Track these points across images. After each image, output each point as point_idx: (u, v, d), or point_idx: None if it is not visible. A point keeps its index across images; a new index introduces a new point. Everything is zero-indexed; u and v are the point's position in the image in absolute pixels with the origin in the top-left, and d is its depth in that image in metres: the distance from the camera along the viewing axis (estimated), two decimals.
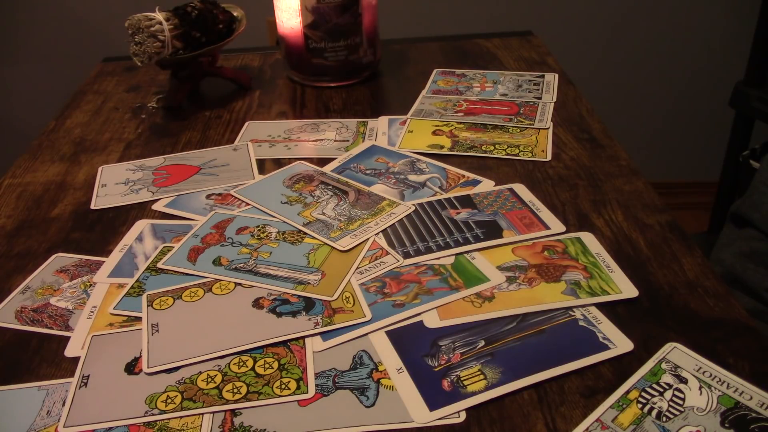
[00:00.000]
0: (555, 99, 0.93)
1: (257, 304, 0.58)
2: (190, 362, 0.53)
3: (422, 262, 0.62)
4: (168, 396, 0.50)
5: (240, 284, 0.61)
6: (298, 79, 1.03)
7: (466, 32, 1.19)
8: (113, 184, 0.79)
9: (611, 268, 0.61)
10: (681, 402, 0.47)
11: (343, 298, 0.58)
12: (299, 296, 0.59)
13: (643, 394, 0.48)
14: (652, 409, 0.47)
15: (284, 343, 0.54)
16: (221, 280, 0.61)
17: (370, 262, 0.63)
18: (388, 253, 0.64)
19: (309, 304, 0.58)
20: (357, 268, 0.62)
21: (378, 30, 1.01)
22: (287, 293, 0.59)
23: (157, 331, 0.56)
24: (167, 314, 0.58)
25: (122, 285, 0.62)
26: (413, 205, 0.71)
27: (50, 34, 1.83)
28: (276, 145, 0.85)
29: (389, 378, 0.51)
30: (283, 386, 0.51)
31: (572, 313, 0.56)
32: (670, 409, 0.47)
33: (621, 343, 0.53)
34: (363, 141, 0.85)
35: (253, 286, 0.60)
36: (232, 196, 0.74)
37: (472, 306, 0.57)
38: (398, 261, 0.62)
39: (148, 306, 0.59)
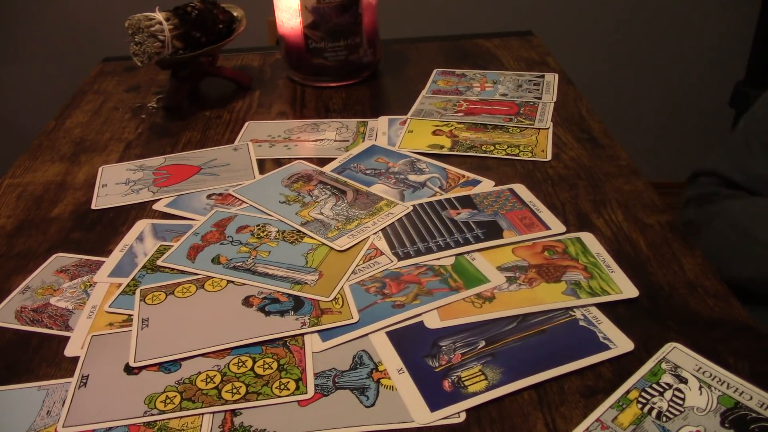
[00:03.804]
0: (555, 99, 0.93)
1: (247, 302, 0.58)
2: (176, 358, 0.53)
3: (422, 263, 0.62)
4: (167, 396, 0.50)
5: (232, 282, 0.61)
6: (298, 79, 1.03)
7: (466, 32, 1.19)
8: (114, 184, 0.79)
9: (611, 268, 0.61)
10: (681, 402, 0.47)
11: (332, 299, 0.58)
12: (289, 295, 0.59)
13: (643, 394, 0.48)
14: (652, 409, 0.47)
15: (284, 343, 0.54)
16: (215, 278, 0.61)
17: (363, 263, 0.63)
18: (382, 254, 0.64)
19: (298, 304, 0.58)
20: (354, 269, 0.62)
21: (378, 30, 1.01)
22: (278, 292, 0.59)
23: (147, 326, 0.56)
24: (158, 309, 0.58)
25: (122, 285, 0.62)
26: (412, 205, 0.71)
27: (50, 34, 1.83)
28: (276, 145, 0.85)
29: (389, 378, 0.51)
30: (282, 387, 0.51)
31: (572, 313, 0.56)
32: (670, 409, 0.47)
33: (621, 343, 0.53)
34: (363, 141, 0.85)
35: (245, 284, 0.60)
36: (233, 196, 0.74)
37: (472, 306, 0.57)
38: (392, 261, 0.62)
39: (140, 300, 0.59)
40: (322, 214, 0.70)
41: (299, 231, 0.67)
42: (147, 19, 0.88)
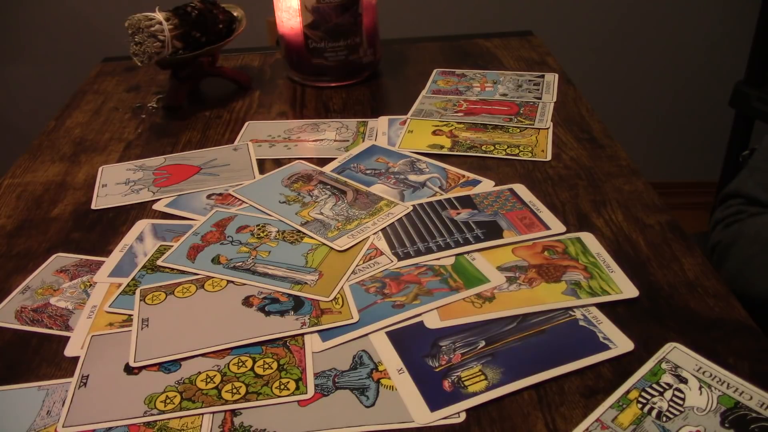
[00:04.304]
0: (555, 99, 0.93)
1: (247, 302, 0.58)
2: (176, 358, 0.53)
3: (422, 263, 0.62)
4: (167, 396, 0.50)
5: (232, 282, 0.61)
6: (298, 79, 1.03)
7: (466, 32, 1.19)
8: (114, 184, 0.79)
9: (611, 268, 0.61)
10: (681, 402, 0.47)
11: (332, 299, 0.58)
12: (289, 295, 0.59)
13: (643, 394, 0.48)
14: (652, 409, 0.47)
15: (284, 343, 0.54)
16: (215, 278, 0.61)
17: (364, 263, 0.63)
18: (382, 254, 0.64)
19: (298, 304, 0.58)
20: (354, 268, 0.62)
21: (378, 30, 1.01)
22: (278, 292, 0.59)
23: (147, 326, 0.56)
24: (158, 309, 0.58)
25: (122, 285, 0.62)
26: (412, 205, 0.71)
27: (51, 34, 1.83)
28: (276, 145, 0.85)
29: (389, 378, 0.51)
30: (282, 387, 0.51)
31: (572, 313, 0.56)
32: (670, 409, 0.47)
33: (621, 343, 0.53)
34: (363, 141, 0.85)
35: (245, 284, 0.60)
36: (233, 196, 0.74)
37: (472, 306, 0.57)
38: (392, 262, 0.62)
39: (140, 300, 0.59)
40: (322, 214, 0.70)
41: (299, 231, 0.67)
42: (147, 19, 0.88)
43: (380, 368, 0.52)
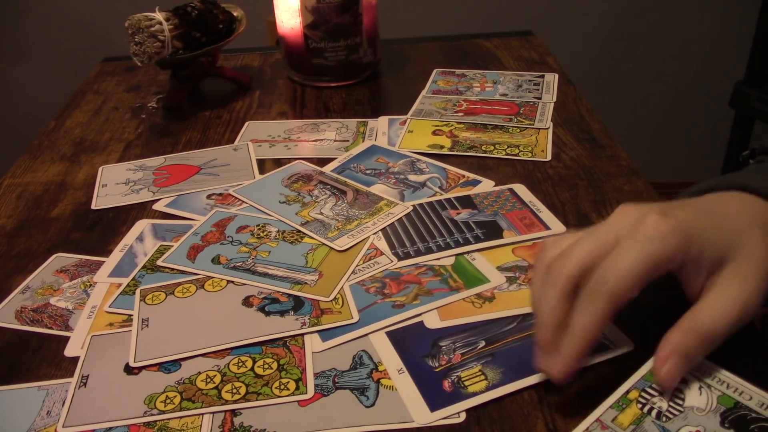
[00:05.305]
0: (555, 99, 0.93)
1: (247, 302, 0.58)
2: (176, 358, 0.53)
3: (422, 263, 0.62)
4: (167, 396, 0.50)
5: (232, 282, 0.61)
6: (298, 79, 1.03)
7: (466, 32, 1.19)
8: (114, 184, 0.79)
9: None
10: (681, 402, 0.47)
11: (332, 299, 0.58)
12: (289, 295, 0.59)
13: (643, 394, 0.48)
14: (651, 409, 0.47)
15: (284, 343, 0.54)
16: (215, 278, 0.61)
17: (364, 263, 0.63)
18: (382, 254, 0.64)
19: (298, 304, 0.58)
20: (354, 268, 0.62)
21: (378, 30, 1.01)
22: (278, 292, 0.59)
23: (147, 326, 0.56)
24: (158, 309, 0.58)
25: (122, 285, 0.62)
26: (412, 205, 0.71)
27: (51, 33, 1.83)
28: (276, 145, 0.85)
29: (389, 378, 0.51)
30: (282, 387, 0.51)
31: None
32: (670, 409, 0.47)
33: (621, 343, 0.53)
34: (363, 141, 0.85)
35: (245, 284, 0.60)
36: (233, 196, 0.74)
37: (472, 306, 0.57)
38: (392, 262, 0.62)
39: (140, 300, 0.59)
40: (322, 214, 0.70)
41: (299, 231, 0.67)
42: (147, 19, 0.88)
43: (380, 368, 0.52)
